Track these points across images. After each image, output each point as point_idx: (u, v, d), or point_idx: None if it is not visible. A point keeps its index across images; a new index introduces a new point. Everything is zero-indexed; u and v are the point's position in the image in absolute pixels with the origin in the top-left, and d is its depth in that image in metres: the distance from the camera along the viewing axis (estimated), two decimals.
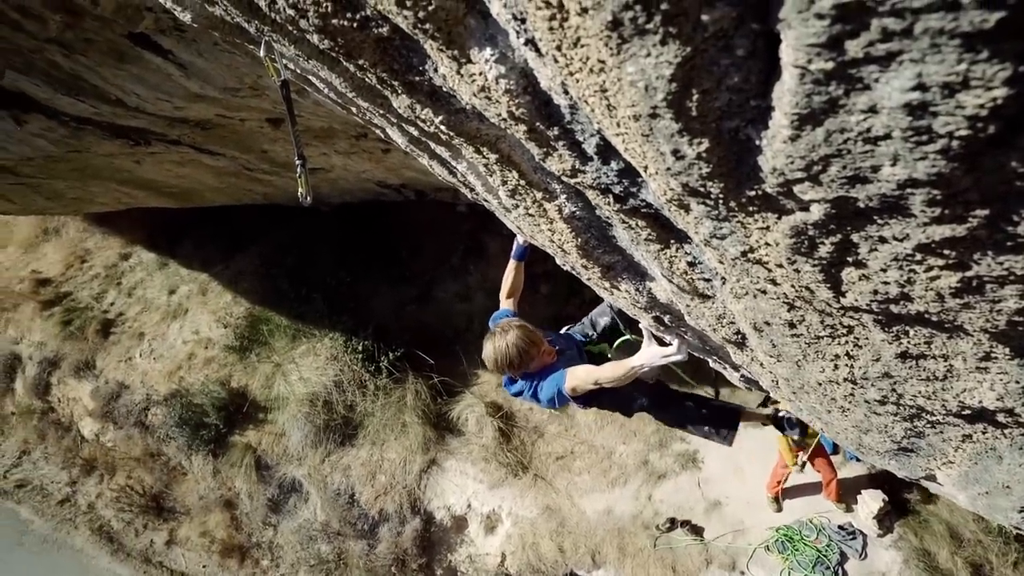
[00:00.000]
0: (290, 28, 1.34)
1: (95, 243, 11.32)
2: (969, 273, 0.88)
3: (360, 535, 7.91)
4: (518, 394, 3.41)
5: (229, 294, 9.86)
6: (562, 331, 3.87)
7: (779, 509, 6.35)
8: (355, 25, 1.16)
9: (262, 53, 1.75)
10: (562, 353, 3.40)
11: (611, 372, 2.93)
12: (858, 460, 6.17)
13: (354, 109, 2.05)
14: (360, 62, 1.31)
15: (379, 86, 1.43)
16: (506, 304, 3.62)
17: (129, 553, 9.10)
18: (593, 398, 3.47)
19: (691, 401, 3.80)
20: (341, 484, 8.15)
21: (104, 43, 3.38)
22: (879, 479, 6.12)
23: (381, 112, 1.76)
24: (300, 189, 2.26)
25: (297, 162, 2.18)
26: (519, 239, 3.45)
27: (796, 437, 4.14)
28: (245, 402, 8.88)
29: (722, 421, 3.77)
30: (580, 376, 3.11)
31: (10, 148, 5.27)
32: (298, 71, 1.96)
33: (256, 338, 9.29)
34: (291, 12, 1.21)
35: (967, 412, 1.32)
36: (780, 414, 4.00)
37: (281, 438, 8.58)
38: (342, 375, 8.45)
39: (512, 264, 3.59)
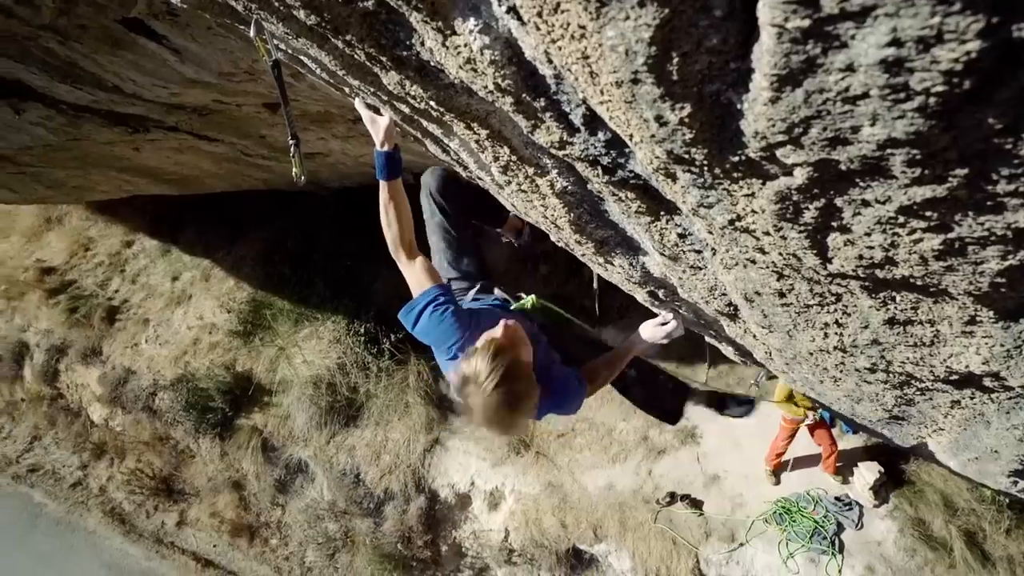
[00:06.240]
0: (276, 4, 1.34)
1: (98, 231, 11.33)
2: (951, 235, 0.88)
3: (366, 513, 7.99)
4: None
5: (232, 279, 9.88)
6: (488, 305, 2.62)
7: (777, 482, 6.42)
8: None
9: (252, 33, 1.75)
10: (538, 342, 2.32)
11: (614, 369, 2.50)
12: (854, 432, 6.22)
13: (346, 89, 2.05)
14: (348, 38, 1.31)
15: (368, 63, 1.43)
16: (420, 273, 2.12)
17: (141, 534, 9.24)
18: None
19: (662, 375, 3.32)
20: (346, 464, 8.23)
21: (98, 29, 3.36)
22: (875, 451, 6.19)
23: (372, 90, 1.76)
24: (294, 169, 2.26)
25: (290, 142, 2.19)
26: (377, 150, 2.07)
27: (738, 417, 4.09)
28: (250, 385, 8.94)
29: (673, 400, 3.38)
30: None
31: (9, 137, 5.26)
32: (289, 51, 1.95)
33: (259, 322, 9.33)
34: None
35: (955, 377, 1.33)
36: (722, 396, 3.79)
37: (286, 420, 8.64)
38: (345, 357, 8.50)
39: (385, 188, 2.07)
